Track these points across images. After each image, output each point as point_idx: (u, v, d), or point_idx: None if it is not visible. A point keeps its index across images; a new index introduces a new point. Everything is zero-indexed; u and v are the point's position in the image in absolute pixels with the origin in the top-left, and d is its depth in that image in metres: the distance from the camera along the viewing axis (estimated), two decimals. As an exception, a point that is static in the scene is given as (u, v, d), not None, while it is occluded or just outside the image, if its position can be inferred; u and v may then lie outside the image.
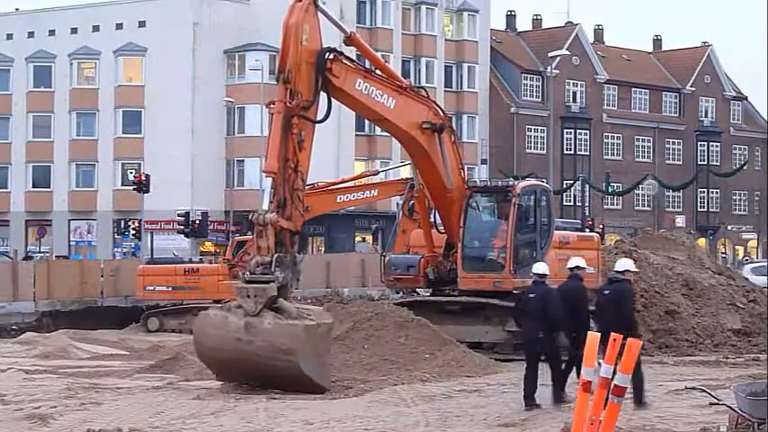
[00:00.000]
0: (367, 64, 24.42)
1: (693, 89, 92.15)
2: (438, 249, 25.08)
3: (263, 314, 18.29)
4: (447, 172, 23.95)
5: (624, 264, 16.85)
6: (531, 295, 16.94)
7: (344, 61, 21.14)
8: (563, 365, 16.69)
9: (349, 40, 22.44)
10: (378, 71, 22.90)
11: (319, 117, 20.94)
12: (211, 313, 19.34)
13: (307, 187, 32.16)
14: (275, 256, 19.06)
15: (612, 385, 10.46)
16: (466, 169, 29.47)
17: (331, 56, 20.67)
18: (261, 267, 19.02)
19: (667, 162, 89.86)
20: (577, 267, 17.44)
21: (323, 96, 20.71)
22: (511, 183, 26.24)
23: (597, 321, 16.62)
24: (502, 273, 23.86)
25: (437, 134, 23.33)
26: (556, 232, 25.06)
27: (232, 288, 20.01)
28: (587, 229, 51.37)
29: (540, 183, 26.83)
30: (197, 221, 56.79)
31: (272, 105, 20.30)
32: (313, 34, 20.42)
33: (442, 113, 24.06)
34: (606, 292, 16.59)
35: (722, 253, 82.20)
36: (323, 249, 70.37)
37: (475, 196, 24.63)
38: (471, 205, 24.46)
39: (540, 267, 17.35)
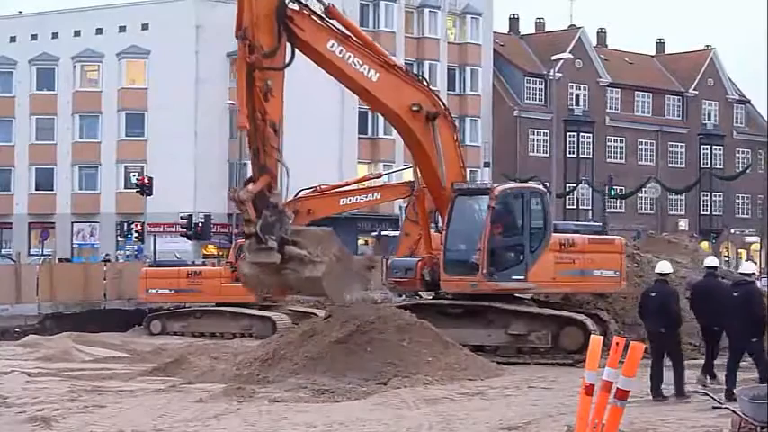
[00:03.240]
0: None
1: (696, 92, 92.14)
2: (436, 252, 25.02)
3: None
4: (441, 166, 23.81)
5: (749, 267, 18.06)
6: (653, 294, 18.04)
7: (313, 17, 21.65)
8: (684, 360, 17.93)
9: (328, 12, 22.36)
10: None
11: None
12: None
13: (309, 191, 32.48)
14: (259, 224, 20.14)
15: (615, 389, 10.46)
16: (468, 171, 29.50)
17: (295, 6, 21.25)
18: (255, 241, 20.25)
19: (670, 165, 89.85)
20: (713, 267, 18.83)
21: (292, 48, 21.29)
22: (489, 185, 26.16)
23: (726, 322, 17.61)
24: (477, 275, 23.73)
25: (430, 122, 23.33)
26: (559, 235, 24.85)
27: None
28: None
29: (531, 185, 26.77)
30: (200, 224, 56.84)
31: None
32: None
33: (440, 103, 24.10)
34: (735, 294, 17.36)
35: (725, 256, 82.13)
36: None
37: (459, 198, 24.35)
38: (455, 207, 24.30)
39: (662, 267, 18.37)
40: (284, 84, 21.54)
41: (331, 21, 22.16)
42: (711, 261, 19.99)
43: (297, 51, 21.42)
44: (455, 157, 24.48)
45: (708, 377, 19.10)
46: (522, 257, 24.12)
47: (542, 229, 24.51)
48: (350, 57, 22.25)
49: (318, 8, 22.27)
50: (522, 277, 24.00)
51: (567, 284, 24.85)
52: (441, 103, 24.32)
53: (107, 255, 60.54)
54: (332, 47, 22.03)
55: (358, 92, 23.99)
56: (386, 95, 23.18)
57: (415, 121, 23.35)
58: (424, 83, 24.50)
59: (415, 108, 23.16)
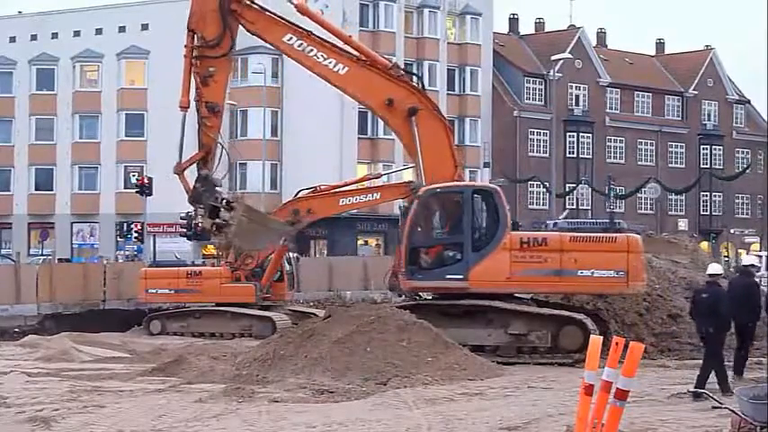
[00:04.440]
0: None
1: (696, 92, 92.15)
2: None
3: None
4: (419, 163, 24.55)
5: (750, 258, 18.38)
6: (705, 295, 18.35)
7: (256, 12, 24.45)
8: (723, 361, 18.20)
9: (297, 8, 24.62)
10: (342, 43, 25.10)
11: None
12: None
13: (309, 191, 32.62)
14: (189, 196, 25.05)
15: (615, 389, 10.46)
16: (468, 171, 29.64)
17: (232, 2, 24.08)
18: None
19: (670, 165, 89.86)
20: (752, 266, 19.26)
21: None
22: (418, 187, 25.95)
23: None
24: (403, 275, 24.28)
25: (409, 118, 24.19)
26: (523, 233, 24.58)
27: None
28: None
29: (480, 184, 26.32)
30: (200, 224, 56.76)
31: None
32: None
33: (424, 100, 24.60)
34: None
35: (725, 256, 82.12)
36: (325, 252, 70.38)
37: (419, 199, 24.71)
38: (409, 208, 24.76)
39: (713, 269, 18.70)
40: (230, 70, 25.76)
41: (282, 17, 24.62)
42: (750, 260, 20.30)
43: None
44: (446, 155, 24.78)
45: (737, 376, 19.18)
46: (461, 257, 24.12)
47: (492, 227, 24.29)
48: (312, 50, 24.35)
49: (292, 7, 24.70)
50: (461, 276, 24.00)
51: (533, 284, 24.24)
52: (425, 100, 24.75)
53: (101, 257, 60.43)
54: (289, 40, 24.40)
55: (333, 85, 25.51)
56: (355, 89, 25.11)
57: (391, 116, 24.71)
58: (409, 79, 25.16)
59: (386, 102, 24.42)
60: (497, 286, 24.01)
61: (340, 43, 25.27)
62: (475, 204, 24.42)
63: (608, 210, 68.97)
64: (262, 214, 26.08)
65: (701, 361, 20.16)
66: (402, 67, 26.70)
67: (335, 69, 24.43)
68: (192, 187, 24.67)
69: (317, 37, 24.62)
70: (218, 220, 23.98)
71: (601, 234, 25.56)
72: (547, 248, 23.97)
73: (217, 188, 24.46)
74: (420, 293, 26.00)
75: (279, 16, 24.64)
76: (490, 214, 24.44)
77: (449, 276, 24.10)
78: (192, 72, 24.77)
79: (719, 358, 17.97)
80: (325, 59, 24.35)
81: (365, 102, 25.65)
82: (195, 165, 25.39)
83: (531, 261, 23.89)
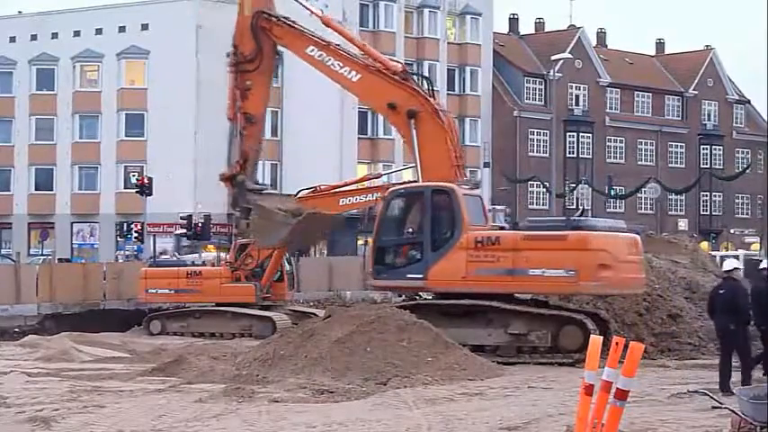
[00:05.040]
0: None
1: (696, 92, 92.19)
2: None
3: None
4: (417, 164, 25.31)
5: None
6: (722, 291, 18.37)
7: (283, 26, 27.06)
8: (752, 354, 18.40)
9: (322, 21, 27.60)
10: (355, 50, 27.35)
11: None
12: None
13: (309, 191, 32.75)
14: (229, 200, 28.32)
15: (615, 389, 10.45)
16: (468, 171, 29.81)
17: (263, 19, 27.00)
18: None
19: (670, 165, 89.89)
20: (735, 269, 18.80)
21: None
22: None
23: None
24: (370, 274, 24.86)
25: (410, 120, 25.05)
26: (478, 232, 24.20)
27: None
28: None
29: (437, 184, 26.06)
30: (199, 224, 56.76)
31: None
32: (252, 5, 27.20)
33: (426, 102, 25.30)
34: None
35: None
36: (325, 252, 70.35)
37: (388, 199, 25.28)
38: (383, 207, 25.17)
39: (729, 264, 18.73)
40: (268, 84, 28.00)
41: (306, 29, 27.06)
42: (731, 264, 20.01)
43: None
44: (444, 156, 25.03)
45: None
46: (420, 256, 24.21)
47: (450, 227, 24.26)
48: (329, 60, 26.39)
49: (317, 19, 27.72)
50: (421, 275, 24.15)
51: (487, 284, 23.85)
52: (426, 103, 25.38)
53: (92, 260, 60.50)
54: (311, 51, 26.65)
55: (347, 90, 28.16)
56: (365, 93, 27.37)
57: (394, 118, 26.04)
58: (419, 81, 26.18)
59: (390, 105, 25.73)
60: (454, 285, 24.04)
61: (356, 50, 27.31)
62: (435, 204, 24.49)
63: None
64: (268, 210, 27.68)
65: (700, 361, 20.22)
66: (410, 70, 28.20)
67: (349, 77, 26.28)
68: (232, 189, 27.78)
69: (335, 46, 26.70)
70: (248, 221, 27.56)
71: (551, 232, 24.11)
72: (500, 247, 23.75)
73: (258, 191, 28.16)
74: (420, 293, 26.01)
75: (302, 29, 27.05)
76: (448, 214, 24.40)
77: (409, 276, 24.38)
78: (233, 86, 27.55)
79: (747, 352, 18.07)
80: (341, 68, 26.25)
81: (372, 105, 28.23)
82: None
83: (485, 260, 23.72)
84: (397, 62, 27.84)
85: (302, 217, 27.77)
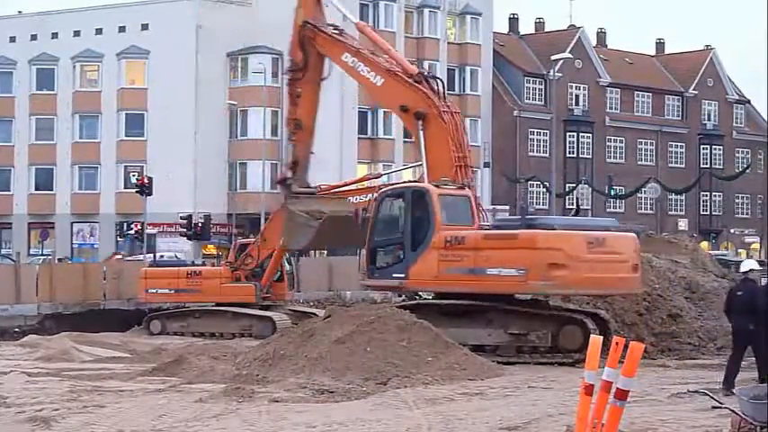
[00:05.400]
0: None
1: (696, 92, 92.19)
2: None
3: None
4: (424, 165, 25.99)
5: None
6: (740, 293, 18.35)
7: (324, 35, 28.90)
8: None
9: (357, 27, 30.11)
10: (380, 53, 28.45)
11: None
12: None
13: (309, 190, 32.82)
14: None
15: (615, 389, 10.46)
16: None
17: (307, 29, 28.98)
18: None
19: (670, 165, 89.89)
20: (751, 270, 18.86)
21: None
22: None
23: None
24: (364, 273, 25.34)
25: (419, 121, 25.91)
26: (448, 232, 24.19)
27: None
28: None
29: (414, 184, 26.35)
30: (199, 224, 56.81)
31: None
32: (303, 15, 29.11)
33: (432, 105, 25.95)
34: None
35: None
36: (325, 252, 70.32)
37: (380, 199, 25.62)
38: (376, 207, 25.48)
39: (747, 265, 18.80)
40: (316, 92, 29.88)
41: (342, 38, 28.98)
42: (749, 264, 20.05)
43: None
44: (446, 157, 25.68)
45: None
46: (402, 256, 24.47)
47: (426, 227, 24.42)
48: (360, 65, 27.74)
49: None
50: (403, 275, 24.41)
51: (454, 283, 23.98)
52: (433, 105, 26.04)
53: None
54: (345, 58, 28.19)
55: (369, 93, 31.38)
56: (384, 97, 28.77)
57: (406, 119, 26.96)
58: (428, 85, 26.59)
59: (402, 107, 26.74)
60: (428, 285, 24.52)
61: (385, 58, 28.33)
62: (414, 205, 24.72)
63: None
64: (293, 213, 29.94)
65: (700, 361, 20.22)
66: (426, 72, 29.17)
67: (374, 81, 27.66)
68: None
69: (364, 51, 28.22)
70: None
71: (506, 231, 24.10)
72: (464, 247, 23.89)
73: (305, 194, 29.97)
74: (419, 293, 26.06)
75: (338, 37, 28.93)
76: (425, 214, 24.57)
77: (394, 275, 24.67)
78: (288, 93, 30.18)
79: (765, 349, 17.98)
80: (368, 72, 27.68)
81: (387, 107, 30.79)
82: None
83: (453, 260, 23.90)
84: (416, 65, 29.94)
85: (323, 220, 28.88)
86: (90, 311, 37.60)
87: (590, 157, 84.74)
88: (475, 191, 26.77)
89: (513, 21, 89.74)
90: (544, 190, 77.43)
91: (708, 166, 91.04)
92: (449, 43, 78.74)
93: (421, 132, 26.07)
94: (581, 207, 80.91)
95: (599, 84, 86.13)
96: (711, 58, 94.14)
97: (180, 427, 15.08)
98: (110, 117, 74.28)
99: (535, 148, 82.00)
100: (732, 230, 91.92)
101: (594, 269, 23.11)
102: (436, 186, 24.85)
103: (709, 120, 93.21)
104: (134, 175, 67.09)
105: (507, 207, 71.46)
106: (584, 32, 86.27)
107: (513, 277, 23.05)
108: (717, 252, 66.18)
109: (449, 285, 24.12)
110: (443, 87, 27.27)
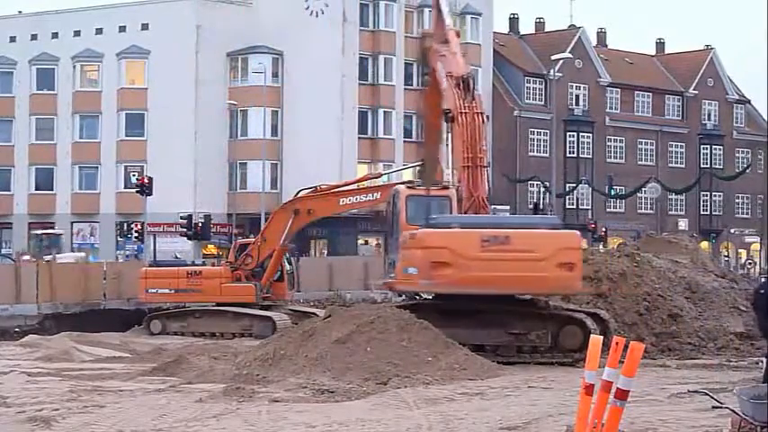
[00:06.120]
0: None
1: (696, 92, 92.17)
2: None
3: None
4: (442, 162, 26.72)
5: None
6: (762, 291, 17.82)
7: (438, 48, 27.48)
8: None
9: (449, 37, 27.47)
10: None
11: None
12: None
13: (309, 190, 32.86)
14: None
15: (615, 389, 10.46)
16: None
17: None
18: None
19: (670, 165, 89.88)
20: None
21: None
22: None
23: None
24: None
25: (447, 124, 25.56)
26: (412, 232, 24.12)
27: None
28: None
29: (397, 186, 27.24)
30: (199, 224, 56.84)
31: None
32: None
33: (456, 108, 25.31)
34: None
35: (725, 256, 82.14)
36: (326, 252, 70.41)
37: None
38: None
39: None
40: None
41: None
42: None
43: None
44: (458, 157, 25.72)
45: None
46: (394, 256, 25.23)
47: (397, 228, 25.46)
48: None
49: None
50: (393, 275, 25.11)
51: (403, 283, 24.41)
52: (457, 108, 25.27)
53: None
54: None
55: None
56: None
57: (440, 121, 26.54)
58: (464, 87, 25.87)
59: (445, 111, 25.57)
60: (406, 285, 24.62)
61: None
62: (394, 205, 25.69)
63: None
64: None
65: (701, 361, 20.20)
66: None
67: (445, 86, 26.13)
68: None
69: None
70: None
71: (412, 231, 23.92)
72: (405, 246, 24.33)
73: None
74: (419, 293, 26.07)
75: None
76: (396, 216, 25.53)
77: (390, 276, 25.36)
78: None
79: None
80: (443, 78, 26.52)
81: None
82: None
83: (405, 260, 24.25)
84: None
85: None
86: (90, 311, 37.59)
87: (590, 157, 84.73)
88: (481, 192, 25.95)
89: (514, 21, 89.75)
90: (544, 190, 77.43)
91: (708, 166, 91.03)
92: (449, 43, 78.63)
93: (447, 134, 26.18)
94: (581, 207, 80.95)
95: (599, 84, 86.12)
96: (711, 58, 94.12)
97: (180, 427, 15.07)
98: (110, 117, 74.29)
99: (535, 148, 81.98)
100: (732, 230, 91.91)
101: (489, 268, 22.34)
102: (409, 187, 25.86)
103: (709, 120, 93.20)
104: (134, 175, 67.12)
105: (508, 207, 71.42)
106: (584, 32, 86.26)
107: (412, 276, 23.35)
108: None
109: (403, 285, 24.77)
110: (471, 86, 25.74)
